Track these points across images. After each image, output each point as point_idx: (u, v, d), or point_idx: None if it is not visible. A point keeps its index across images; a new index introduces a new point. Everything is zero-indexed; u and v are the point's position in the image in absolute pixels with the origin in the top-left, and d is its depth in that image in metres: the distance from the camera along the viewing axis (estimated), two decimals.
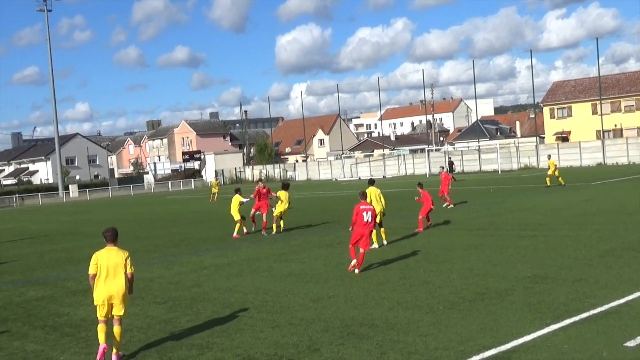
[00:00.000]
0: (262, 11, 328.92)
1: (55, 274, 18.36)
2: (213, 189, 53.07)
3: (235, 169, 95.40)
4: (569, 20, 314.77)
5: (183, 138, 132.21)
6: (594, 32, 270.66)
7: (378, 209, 17.54)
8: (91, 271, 9.30)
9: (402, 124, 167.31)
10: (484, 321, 9.81)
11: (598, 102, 72.70)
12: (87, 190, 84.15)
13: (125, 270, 9.29)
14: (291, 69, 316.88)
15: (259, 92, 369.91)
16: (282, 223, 23.84)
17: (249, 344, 9.59)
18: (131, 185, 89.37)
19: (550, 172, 38.11)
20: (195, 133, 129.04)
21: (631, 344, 8.26)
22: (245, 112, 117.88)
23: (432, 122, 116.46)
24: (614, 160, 62.29)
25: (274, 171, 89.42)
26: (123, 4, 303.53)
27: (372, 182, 19.70)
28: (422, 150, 79.04)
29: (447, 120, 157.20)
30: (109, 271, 9.23)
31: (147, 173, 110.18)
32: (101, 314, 9.30)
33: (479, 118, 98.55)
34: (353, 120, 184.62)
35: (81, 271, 18.39)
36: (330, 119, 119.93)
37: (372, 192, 18.43)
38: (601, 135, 70.70)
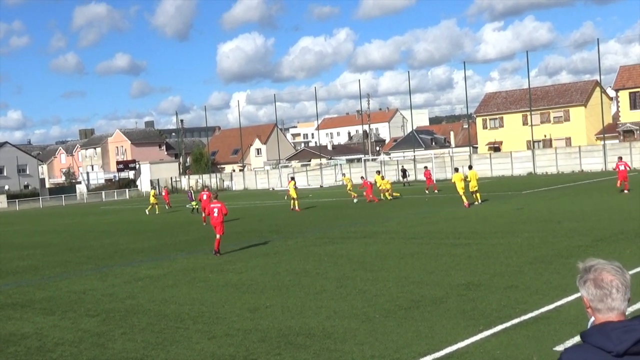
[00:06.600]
0: (206, 19, 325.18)
1: None
2: (151, 199, 47.53)
3: (171, 178, 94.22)
4: (505, 32, 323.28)
5: (117, 147, 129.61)
6: (529, 45, 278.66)
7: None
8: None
9: (338, 134, 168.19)
10: (419, 328, 9.94)
11: (528, 113, 74.80)
12: (17, 200, 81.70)
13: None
14: (232, 78, 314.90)
15: (199, 100, 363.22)
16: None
17: (185, 355, 9.47)
18: (62, 195, 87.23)
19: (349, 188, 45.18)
20: (129, 142, 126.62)
21: (560, 348, 8.48)
22: (181, 120, 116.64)
23: (368, 131, 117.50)
24: (544, 170, 64.13)
25: (210, 180, 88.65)
26: (64, 9, 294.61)
27: (469, 167, 33.37)
28: (359, 160, 79.72)
29: (383, 130, 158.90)
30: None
31: (80, 183, 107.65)
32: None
33: (414, 128, 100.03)
34: (290, 129, 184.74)
35: (9, 284, 17.84)
36: (267, 128, 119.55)
37: (473, 175, 31.36)
38: (531, 145, 72.69)
